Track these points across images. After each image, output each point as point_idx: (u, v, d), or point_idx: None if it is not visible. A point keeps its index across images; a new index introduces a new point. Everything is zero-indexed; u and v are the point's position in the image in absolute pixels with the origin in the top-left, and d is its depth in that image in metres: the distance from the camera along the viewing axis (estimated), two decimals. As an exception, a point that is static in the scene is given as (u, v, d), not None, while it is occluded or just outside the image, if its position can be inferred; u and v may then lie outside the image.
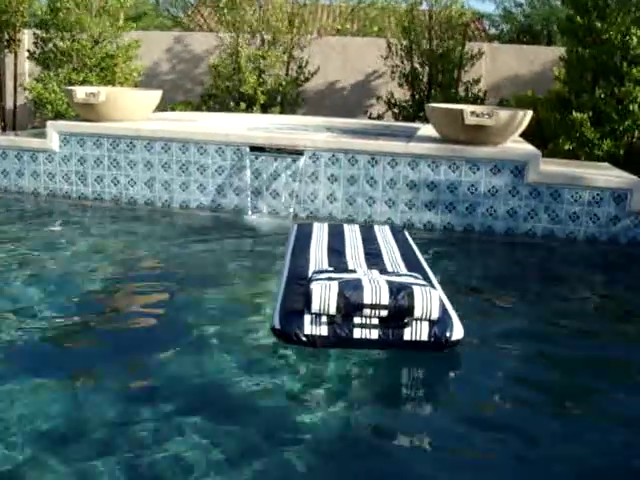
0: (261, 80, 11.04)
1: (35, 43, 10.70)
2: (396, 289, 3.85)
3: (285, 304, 4.12)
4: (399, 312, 3.81)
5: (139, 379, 3.61)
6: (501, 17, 19.25)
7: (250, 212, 7.35)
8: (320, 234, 5.50)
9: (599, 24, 8.89)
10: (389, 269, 4.61)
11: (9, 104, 11.32)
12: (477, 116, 6.82)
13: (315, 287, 3.84)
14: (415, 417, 3.52)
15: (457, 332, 3.96)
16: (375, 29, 15.79)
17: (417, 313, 3.81)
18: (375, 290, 3.83)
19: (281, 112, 11.08)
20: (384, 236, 5.62)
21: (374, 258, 4.89)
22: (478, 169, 6.88)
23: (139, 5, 11.30)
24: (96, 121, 7.79)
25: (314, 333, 3.86)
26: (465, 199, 6.97)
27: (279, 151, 7.21)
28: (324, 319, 3.85)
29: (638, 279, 6.11)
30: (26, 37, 11.66)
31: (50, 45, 10.57)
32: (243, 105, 10.77)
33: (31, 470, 2.74)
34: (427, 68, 11.26)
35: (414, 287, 3.88)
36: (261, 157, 7.27)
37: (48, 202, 7.81)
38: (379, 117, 11.60)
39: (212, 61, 11.51)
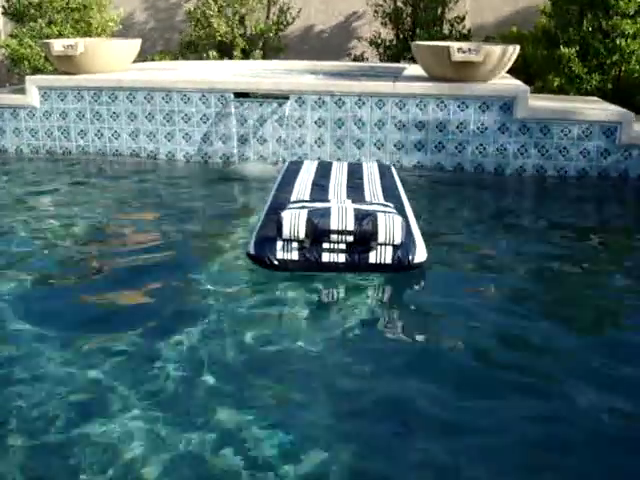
0: (239, 26, 10.78)
1: (7, -3, 10.40)
2: (361, 216, 4.09)
3: (261, 232, 4.36)
4: (364, 237, 4.05)
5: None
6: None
7: (237, 159, 7.26)
8: (308, 169, 5.71)
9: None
10: (367, 200, 4.78)
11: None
12: (464, 52, 6.71)
13: (285, 215, 4.09)
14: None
15: (419, 255, 4.19)
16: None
17: (380, 238, 4.04)
18: (341, 217, 4.07)
19: (263, 58, 10.87)
20: (370, 171, 5.74)
21: (355, 190, 5.06)
22: (467, 107, 6.80)
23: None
24: (75, 74, 7.62)
25: (285, 258, 4.12)
26: (454, 138, 6.90)
27: (264, 96, 7.09)
28: (294, 245, 4.10)
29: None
30: (-2, -8, 11.34)
31: (22, -1, 10.27)
32: (216, 53, 10.56)
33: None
34: (410, 6, 11.03)
35: (378, 214, 4.11)
36: (246, 103, 7.15)
37: (32, 159, 7.68)
38: (363, 58, 11.42)
39: (188, 8, 11.24)
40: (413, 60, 9.24)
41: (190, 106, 7.28)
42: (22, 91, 7.76)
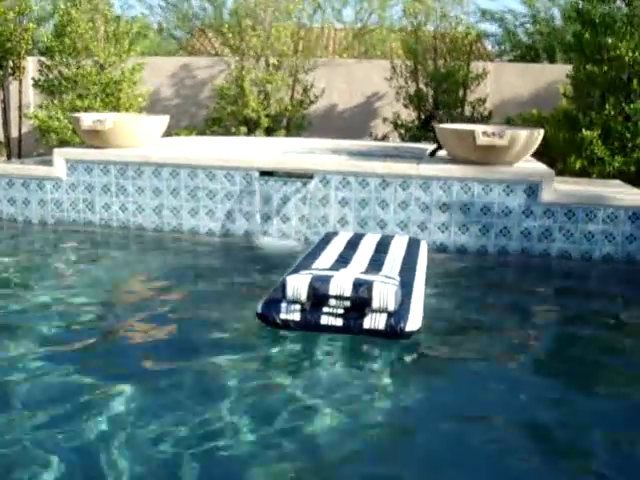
0: (265, 104, 11.00)
1: (40, 70, 10.67)
2: (358, 283, 4.39)
3: (271, 294, 4.73)
4: (359, 303, 4.34)
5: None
6: (503, 36, 19.25)
7: (260, 237, 7.26)
8: (340, 240, 6.03)
9: (610, 40, 8.81)
10: (382, 272, 4.97)
11: (14, 132, 11.28)
12: (488, 136, 6.75)
13: (290, 278, 4.48)
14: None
15: (412, 324, 4.39)
16: (379, 52, 15.80)
17: (374, 304, 4.32)
18: (340, 283, 4.39)
19: (286, 135, 11.03)
20: (398, 245, 5.96)
21: (374, 263, 5.27)
22: (491, 190, 6.80)
23: (142, 29, 11.19)
24: (103, 148, 7.74)
25: (288, 318, 4.46)
26: (478, 220, 6.88)
27: (289, 175, 7.14)
28: (297, 306, 4.44)
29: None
30: (30, 64, 11.66)
31: (55, 72, 10.55)
32: (245, 129, 10.73)
33: None
34: (432, 88, 11.22)
35: (375, 283, 4.39)
36: (270, 181, 7.20)
37: (55, 230, 7.72)
38: (384, 138, 11.56)
39: (216, 85, 11.48)
40: (434, 141, 9.32)
41: (215, 183, 7.33)
42: (49, 163, 7.86)
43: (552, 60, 17.23)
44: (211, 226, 7.46)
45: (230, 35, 11.24)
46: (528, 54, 17.99)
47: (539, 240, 6.84)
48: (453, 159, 7.29)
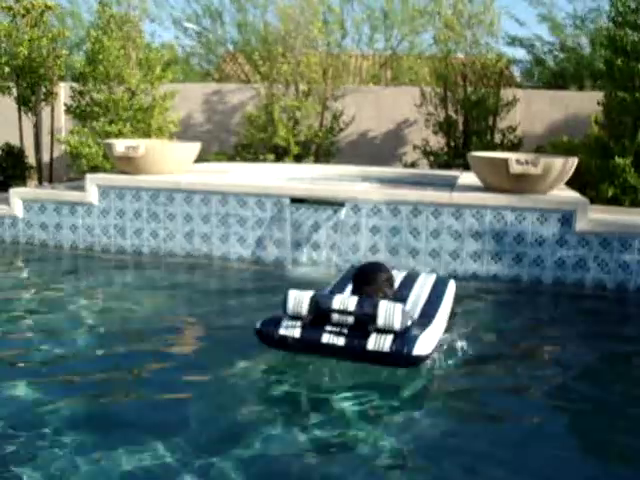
0: (295, 131, 11.04)
1: (72, 96, 10.82)
2: (363, 300, 4.21)
3: (273, 313, 4.51)
4: (363, 319, 4.11)
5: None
6: (532, 63, 19.21)
7: (290, 264, 7.24)
8: None
9: (640, 66, 8.75)
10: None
11: (45, 157, 11.42)
12: (522, 165, 6.69)
13: (292, 291, 4.32)
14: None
15: (420, 348, 4.09)
16: (408, 79, 15.82)
17: (380, 321, 4.07)
18: (343, 299, 4.23)
19: (315, 162, 11.05)
20: (424, 282, 5.52)
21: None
22: (524, 218, 6.73)
23: (173, 56, 11.35)
24: (134, 174, 7.79)
25: (287, 334, 4.25)
26: (511, 249, 6.80)
27: (320, 202, 7.12)
28: (297, 322, 4.25)
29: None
30: (62, 90, 11.83)
31: (87, 98, 10.68)
32: (273, 157, 10.78)
33: None
34: (462, 116, 11.20)
35: (380, 300, 4.20)
36: (302, 208, 7.18)
37: (86, 256, 7.76)
38: (413, 165, 11.53)
39: (247, 112, 11.56)
40: (464, 167, 9.29)
41: (246, 210, 7.34)
42: (81, 188, 7.93)
43: (580, 87, 17.15)
44: (242, 252, 7.45)
45: (260, 62, 11.32)
46: (556, 81, 17.93)
47: (573, 270, 6.74)
48: (486, 187, 7.23)
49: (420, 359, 4.11)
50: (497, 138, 11.14)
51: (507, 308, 6.30)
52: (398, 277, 5.65)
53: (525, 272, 6.82)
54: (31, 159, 11.31)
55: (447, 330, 4.94)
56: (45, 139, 11.32)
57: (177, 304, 6.18)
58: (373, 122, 12.49)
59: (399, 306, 4.14)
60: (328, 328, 4.21)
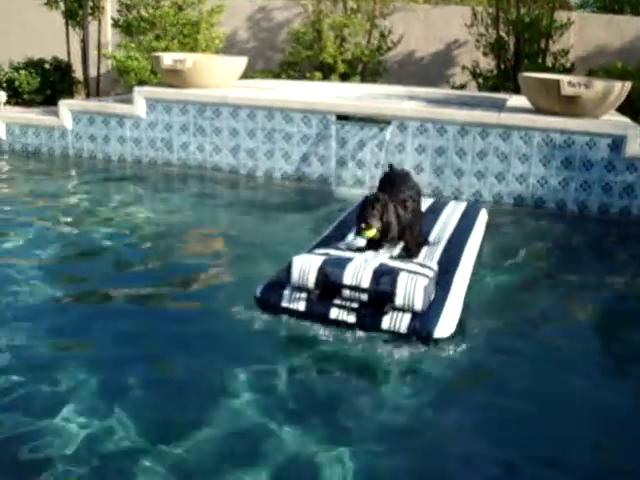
0: (342, 49, 10.88)
1: (119, 10, 10.76)
2: (380, 273, 3.61)
3: (275, 275, 4.04)
4: (379, 298, 3.58)
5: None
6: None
7: (334, 182, 7.26)
8: None
9: None
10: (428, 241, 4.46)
11: (92, 72, 11.44)
12: (574, 87, 6.55)
13: (297, 259, 3.75)
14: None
15: (443, 329, 3.60)
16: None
17: (398, 301, 3.56)
18: (357, 272, 3.62)
19: (361, 81, 10.91)
20: (451, 212, 5.24)
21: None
22: (573, 142, 6.62)
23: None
24: (181, 87, 7.80)
25: (290, 307, 3.77)
26: (558, 173, 6.73)
27: (366, 120, 7.08)
28: (303, 294, 3.75)
29: None
30: (109, 5, 11.75)
31: (134, 12, 10.62)
32: (320, 74, 10.66)
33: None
34: (513, 37, 10.89)
35: (401, 272, 3.61)
36: (347, 126, 7.16)
37: (134, 168, 7.88)
38: (461, 87, 11.31)
39: (293, 28, 11.40)
40: (514, 91, 9.11)
41: (291, 126, 7.34)
42: (129, 101, 7.98)
43: (636, 13, 16.46)
44: (286, 169, 7.49)
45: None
46: (611, 7, 17.22)
47: (620, 197, 6.66)
48: (535, 109, 7.10)
49: (441, 340, 3.62)
50: (549, 61, 10.83)
51: (549, 235, 6.22)
52: (426, 203, 5.25)
53: (571, 197, 6.75)
54: (78, 74, 11.35)
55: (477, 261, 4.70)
56: (92, 54, 11.33)
57: (219, 216, 6.30)
58: (422, 42, 12.20)
59: (422, 282, 3.57)
60: (337, 302, 3.71)
